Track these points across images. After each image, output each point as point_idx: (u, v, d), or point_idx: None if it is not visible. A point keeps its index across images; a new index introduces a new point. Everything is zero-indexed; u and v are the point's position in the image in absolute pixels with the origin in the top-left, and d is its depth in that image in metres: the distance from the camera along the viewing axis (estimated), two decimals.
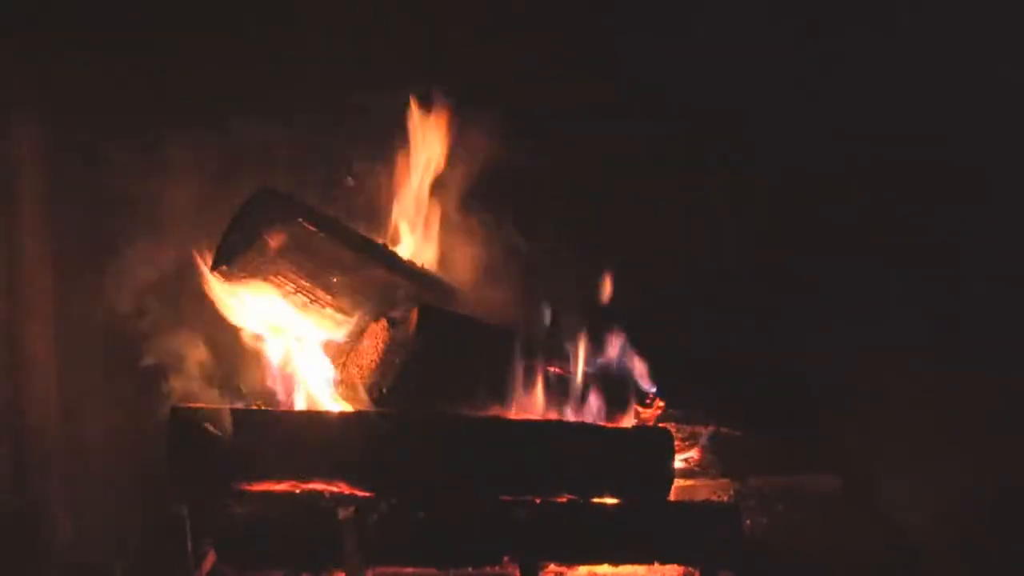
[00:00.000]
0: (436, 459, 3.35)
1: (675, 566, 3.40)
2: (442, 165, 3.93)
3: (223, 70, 3.95)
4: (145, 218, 3.82)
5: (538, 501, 3.35)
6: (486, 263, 3.91)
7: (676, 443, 3.54)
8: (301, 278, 3.61)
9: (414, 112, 3.90)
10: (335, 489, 3.29)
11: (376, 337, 3.58)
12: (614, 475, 3.42)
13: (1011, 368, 3.84)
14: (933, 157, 3.98)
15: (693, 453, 3.74)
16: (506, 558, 3.30)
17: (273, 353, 3.63)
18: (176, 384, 3.53)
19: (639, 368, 3.69)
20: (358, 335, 3.64)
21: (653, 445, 3.49)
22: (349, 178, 4.02)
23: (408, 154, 3.93)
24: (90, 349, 3.84)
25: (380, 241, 3.81)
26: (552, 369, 3.61)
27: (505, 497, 3.36)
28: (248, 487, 3.26)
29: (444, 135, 3.91)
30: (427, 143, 3.92)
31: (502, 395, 3.50)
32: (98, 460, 3.80)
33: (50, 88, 3.82)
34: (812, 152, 4.08)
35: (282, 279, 3.60)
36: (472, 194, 3.97)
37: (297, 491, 3.28)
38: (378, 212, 3.93)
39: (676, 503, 3.48)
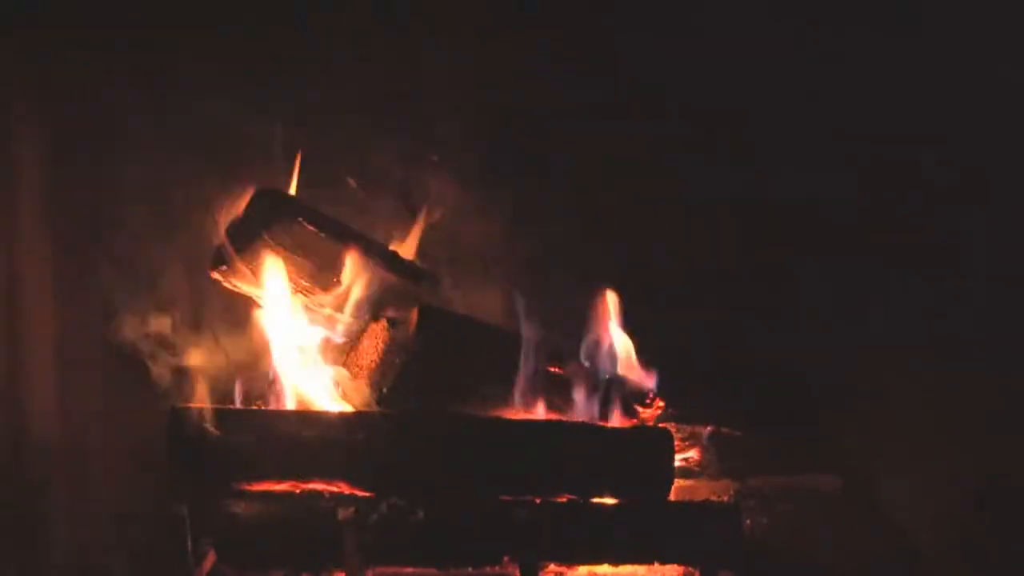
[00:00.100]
0: (436, 459, 3.35)
1: (675, 566, 3.40)
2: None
3: (223, 70, 3.95)
4: (145, 218, 3.82)
5: (538, 501, 3.35)
6: (486, 263, 3.91)
7: (676, 443, 3.54)
8: (301, 278, 3.61)
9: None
10: (335, 489, 3.29)
11: (376, 337, 3.58)
12: (614, 475, 3.42)
13: (1011, 368, 3.84)
14: (933, 157, 3.98)
15: (693, 453, 3.74)
16: (506, 558, 3.29)
17: (273, 353, 3.63)
18: (176, 384, 3.53)
19: (639, 368, 3.69)
20: (358, 335, 3.64)
21: (653, 445, 3.49)
22: (349, 178, 4.02)
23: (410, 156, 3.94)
24: (90, 349, 3.83)
25: (380, 241, 3.81)
26: (552, 369, 3.61)
27: (505, 497, 3.36)
28: (248, 487, 3.26)
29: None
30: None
31: (502, 395, 3.50)
32: (98, 460, 3.79)
33: (50, 88, 3.82)
34: (812, 151, 4.08)
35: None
36: (472, 194, 3.97)
37: (297, 491, 3.28)
38: (378, 212, 3.94)
39: (676, 503, 3.48)
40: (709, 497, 3.63)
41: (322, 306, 3.62)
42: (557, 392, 3.57)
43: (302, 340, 3.66)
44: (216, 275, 3.60)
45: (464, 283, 3.86)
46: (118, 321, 3.66)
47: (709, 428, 3.76)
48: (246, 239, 3.55)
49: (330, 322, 3.69)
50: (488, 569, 3.30)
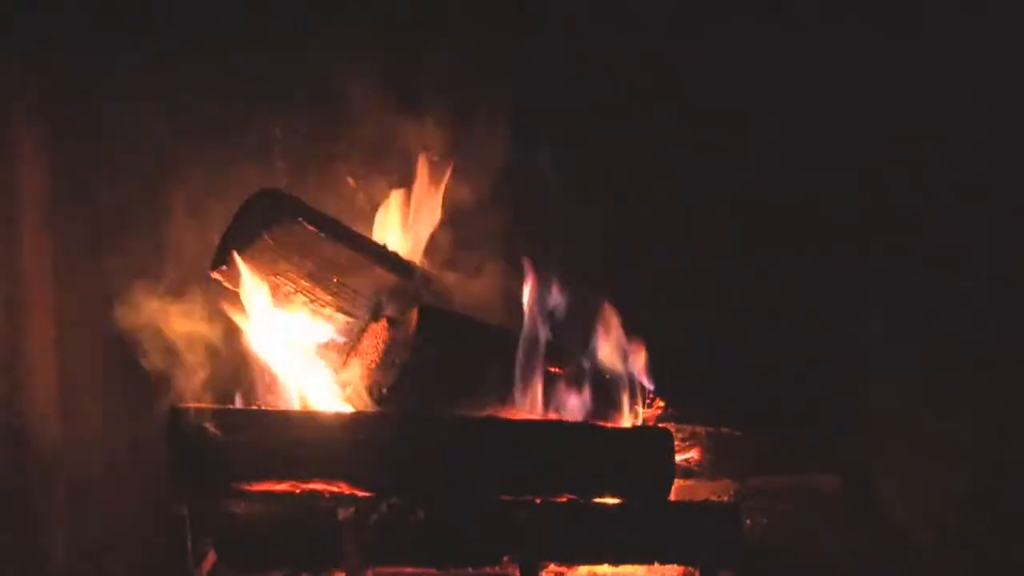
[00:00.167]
0: (436, 459, 3.35)
1: (675, 566, 3.41)
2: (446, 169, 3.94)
3: (223, 70, 3.95)
4: (145, 218, 3.82)
5: (538, 501, 3.36)
6: (486, 263, 3.91)
7: (676, 443, 3.55)
8: (301, 278, 3.61)
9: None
10: (335, 489, 3.29)
11: (376, 337, 3.58)
12: (614, 475, 3.42)
13: (1011, 368, 3.84)
14: (933, 156, 3.98)
15: (693, 453, 3.74)
16: (506, 558, 3.30)
17: (273, 353, 3.63)
18: (176, 384, 3.53)
19: (640, 368, 3.69)
20: (358, 335, 3.64)
21: (653, 445, 3.49)
22: (349, 178, 4.02)
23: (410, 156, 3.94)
24: (90, 349, 3.83)
25: (380, 241, 3.81)
26: (552, 369, 3.61)
27: (505, 497, 3.36)
28: (248, 487, 3.26)
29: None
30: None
31: (502, 395, 3.50)
32: (98, 460, 3.79)
33: (50, 88, 3.82)
34: (813, 151, 4.08)
35: (282, 279, 3.61)
36: (472, 194, 3.98)
37: (297, 491, 3.28)
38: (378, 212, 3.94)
39: (676, 503, 3.48)
40: (709, 497, 3.64)
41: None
42: (557, 392, 3.57)
43: (302, 340, 3.66)
44: (216, 275, 3.61)
45: (464, 283, 3.86)
46: (118, 321, 3.66)
47: (709, 428, 3.76)
48: (246, 239, 3.56)
49: (330, 322, 3.69)
50: (488, 569, 3.31)
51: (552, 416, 3.54)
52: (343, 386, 3.60)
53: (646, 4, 4.13)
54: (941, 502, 3.73)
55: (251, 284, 3.56)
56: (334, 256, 3.61)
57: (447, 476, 3.35)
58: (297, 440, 3.28)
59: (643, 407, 3.70)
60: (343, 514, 3.24)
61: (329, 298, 3.66)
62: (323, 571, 3.24)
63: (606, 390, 3.62)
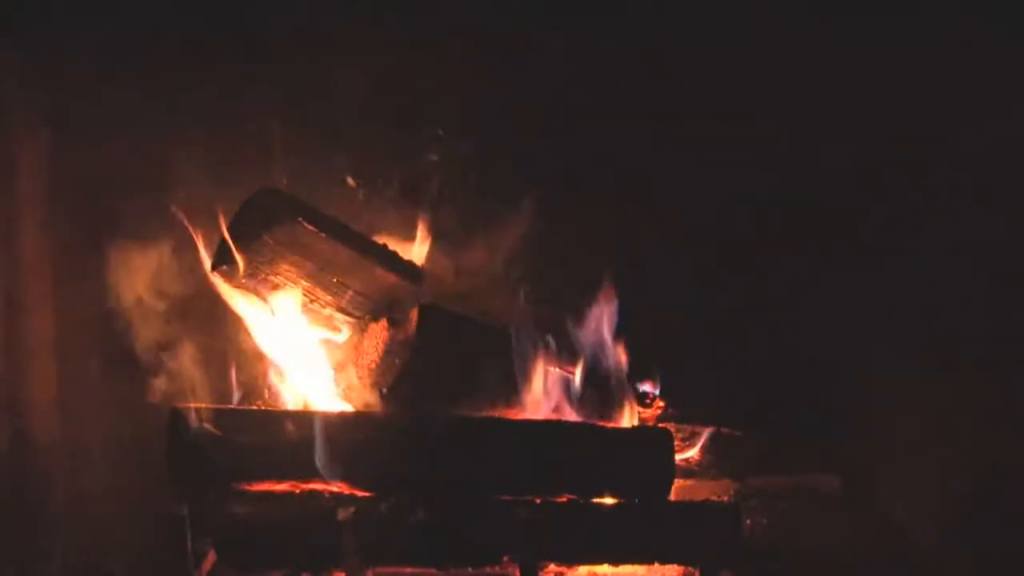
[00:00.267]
0: (436, 459, 3.35)
1: (675, 566, 3.41)
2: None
3: (223, 70, 3.95)
4: (145, 217, 3.82)
5: (538, 501, 3.36)
6: (486, 263, 3.91)
7: (676, 443, 3.55)
8: (301, 278, 3.61)
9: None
10: (335, 489, 3.29)
11: (376, 337, 3.58)
12: (614, 475, 3.42)
13: (1011, 368, 3.84)
14: (933, 156, 3.98)
15: (693, 453, 3.74)
16: (506, 558, 3.30)
17: (273, 353, 3.64)
18: (176, 384, 3.53)
19: (639, 368, 3.69)
20: (358, 335, 3.65)
21: (653, 445, 3.49)
22: (349, 178, 4.02)
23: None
24: (90, 349, 3.83)
25: (380, 241, 3.81)
26: (552, 369, 3.61)
27: (505, 497, 3.36)
28: (248, 487, 3.26)
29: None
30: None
31: (502, 395, 3.50)
32: (98, 460, 3.79)
33: (50, 88, 3.82)
34: (813, 150, 4.08)
35: (282, 279, 3.61)
36: (472, 194, 3.98)
37: (297, 491, 3.28)
38: (378, 212, 3.94)
39: (676, 503, 3.48)
40: (709, 497, 3.64)
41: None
42: (558, 392, 3.57)
43: (302, 340, 3.66)
44: (217, 275, 3.61)
45: (463, 282, 3.86)
46: (118, 321, 3.66)
47: (709, 428, 3.76)
48: (246, 239, 3.56)
49: (330, 322, 3.70)
50: (488, 569, 3.31)
51: (552, 416, 3.54)
52: (343, 386, 3.60)
53: (646, 4, 4.14)
54: (941, 502, 3.73)
55: (251, 284, 3.56)
56: (334, 256, 3.61)
57: (447, 476, 3.35)
58: (297, 440, 3.28)
59: (643, 407, 3.70)
60: (343, 514, 3.24)
61: (329, 298, 3.66)
62: (323, 571, 3.24)
63: (606, 390, 3.62)
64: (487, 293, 3.82)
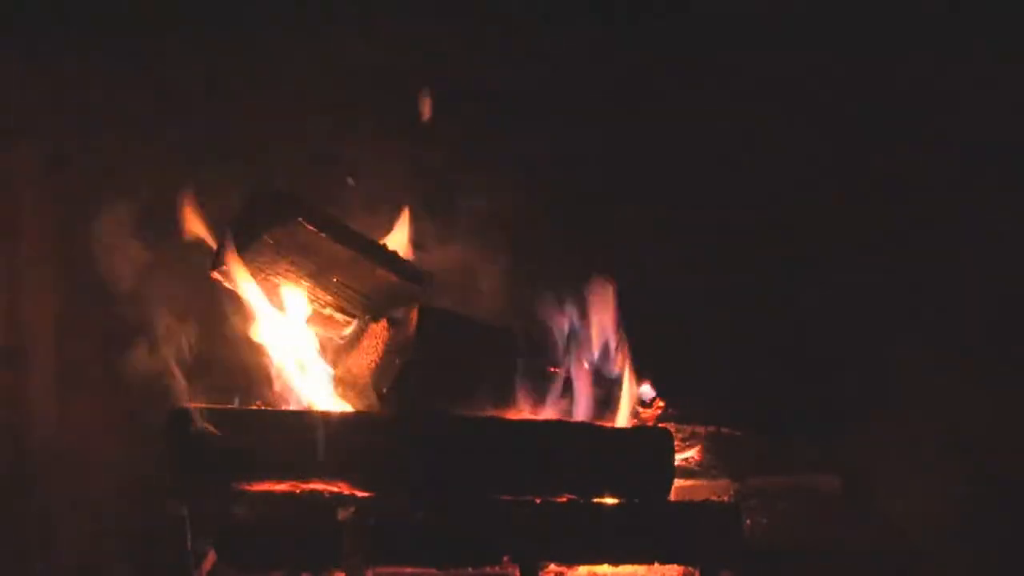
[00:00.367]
0: (436, 459, 3.35)
1: (675, 566, 3.41)
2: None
3: (223, 70, 3.95)
4: (145, 217, 3.82)
5: (538, 501, 3.35)
6: (486, 263, 3.91)
7: (676, 443, 3.54)
8: (301, 278, 3.61)
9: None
10: (335, 489, 3.29)
11: (376, 337, 3.58)
12: (614, 475, 3.42)
13: (1011, 369, 3.84)
14: (937, 161, 3.98)
15: (693, 453, 3.74)
16: (506, 558, 3.30)
17: (274, 353, 3.63)
18: (176, 384, 3.53)
19: (639, 368, 3.69)
20: (358, 335, 3.64)
21: (653, 445, 3.49)
22: (349, 178, 4.02)
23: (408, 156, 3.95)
24: (90, 349, 3.84)
25: (380, 241, 3.81)
26: (553, 369, 3.61)
27: (505, 497, 3.36)
28: (248, 487, 3.26)
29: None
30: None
31: (502, 395, 3.50)
32: (98, 460, 3.79)
33: (50, 90, 3.82)
34: (817, 151, 4.08)
35: (282, 279, 3.60)
36: (472, 194, 3.98)
37: (297, 491, 3.28)
38: (378, 212, 3.94)
39: (676, 503, 3.48)
40: (709, 497, 3.63)
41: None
42: (557, 392, 3.57)
43: (302, 340, 3.66)
44: (217, 275, 3.60)
45: (463, 281, 3.86)
46: (118, 321, 3.66)
47: (709, 428, 3.76)
48: (247, 239, 3.55)
49: (330, 322, 3.70)
50: (488, 569, 3.30)
51: (552, 416, 3.54)
52: (343, 386, 3.60)
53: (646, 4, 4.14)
54: (941, 502, 3.73)
55: (251, 284, 3.56)
56: (334, 256, 3.61)
57: (447, 476, 3.34)
58: (297, 440, 3.28)
59: (643, 407, 3.70)
60: (343, 514, 3.23)
61: (329, 298, 3.66)
62: (323, 571, 3.24)
63: (606, 390, 3.62)
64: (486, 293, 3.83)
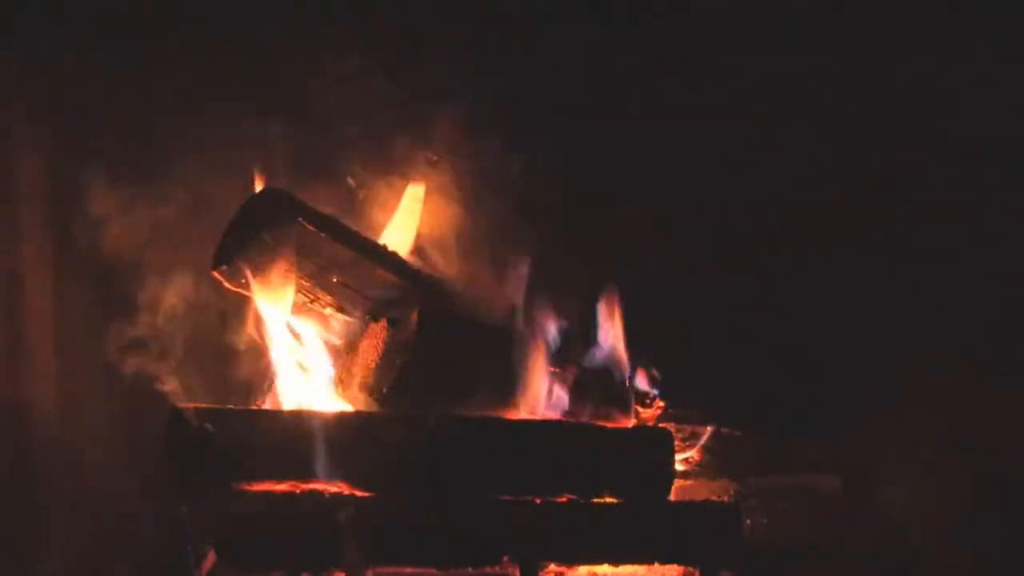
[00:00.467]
0: (436, 459, 3.35)
1: (675, 566, 3.41)
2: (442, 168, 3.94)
3: (223, 70, 3.95)
4: (145, 217, 3.82)
5: (538, 501, 3.35)
6: (486, 263, 3.91)
7: (676, 443, 3.55)
8: (301, 278, 3.61)
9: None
10: (335, 489, 3.29)
11: (376, 337, 3.58)
12: (614, 475, 3.42)
13: (1011, 369, 3.84)
14: (937, 161, 3.98)
15: (693, 453, 3.74)
16: (506, 558, 3.29)
17: (274, 353, 3.63)
18: (176, 384, 3.53)
19: (639, 368, 3.69)
20: (358, 335, 3.64)
21: (653, 445, 3.49)
22: (349, 178, 4.02)
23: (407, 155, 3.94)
24: (90, 349, 3.84)
25: (380, 241, 3.81)
26: (553, 369, 3.61)
27: (505, 497, 3.36)
28: (248, 487, 3.26)
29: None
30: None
31: (503, 395, 3.50)
32: (98, 460, 3.79)
33: (50, 90, 3.82)
34: (817, 151, 4.08)
35: (282, 279, 3.60)
36: (472, 194, 3.98)
37: (297, 491, 3.28)
38: (378, 212, 3.94)
39: (676, 503, 3.48)
40: (709, 497, 3.63)
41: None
42: (557, 392, 3.57)
43: (302, 340, 3.66)
44: (217, 275, 3.60)
45: (462, 281, 3.86)
46: (118, 321, 3.66)
47: (709, 428, 3.76)
48: (247, 239, 3.56)
49: (330, 322, 3.69)
50: (488, 569, 3.30)
51: (552, 416, 3.54)
52: (343, 386, 3.60)
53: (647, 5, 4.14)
54: (941, 502, 3.73)
55: (251, 284, 3.56)
56: (334, 256, 3.61)
57: (447, 476, 3.34)
58: (297, 440, 3.28)
59: (643, 407, 3.70)
60: (343, 514, 3.23)
61: (329, 298, 3.66)
62: (323, 571, 3.23)
63: (606, 390, 3.62)
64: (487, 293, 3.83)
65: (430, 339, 3.46)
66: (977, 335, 3.91)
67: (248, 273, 3.56)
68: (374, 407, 3.47)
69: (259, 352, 3.65)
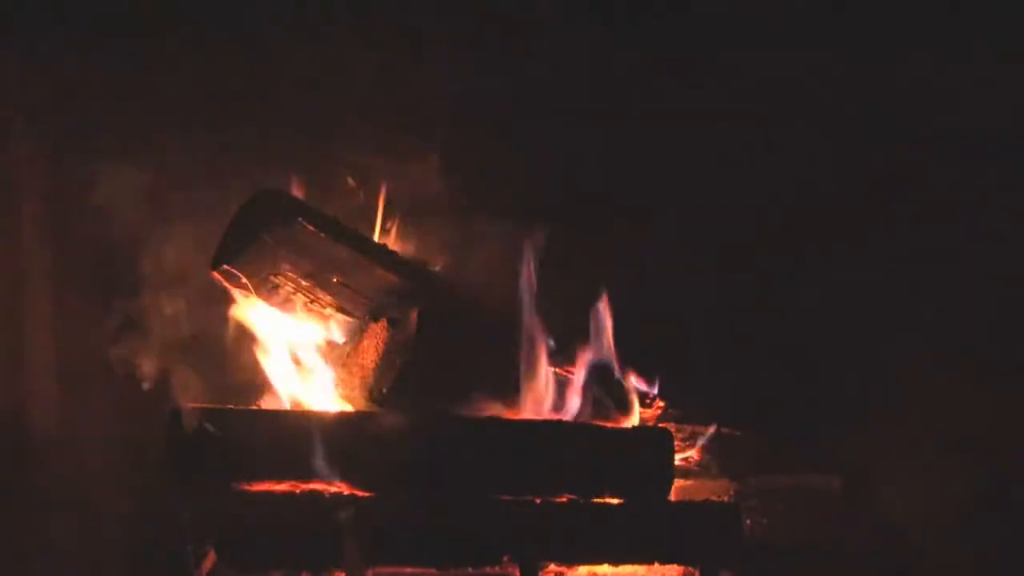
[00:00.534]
0: (436, 459, 3.35)
1: (675, 566, 3.41)
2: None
3: (223, 70, 3.95)
4: (144, 217, 3.82)
5: (538, 501, 3.35)
6: (486, 263, 3.91)
7: (676, 443, 3.54)
8: (301, 278, 3.61)
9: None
10: (335, 489, 3.29)
11: (376, 337, 3.58)
12: (614, 475, 3.42)
13: (1011, 369, 3.84)
14: (937, 161, 3.98)
15: (693, 453, 3.74)
16: (506, 558, 3.29)
17: (274, 353, 3.63)
18: (176, 384, 3.53)
19: (639, 368, 3.69)
20: (358, 335, 3.64)
21: (653, 445, 3.49)
22: (349, 178, 4.02)
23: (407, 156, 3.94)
24: (90, 350, 3.83)
25: (380, 241, 3.81)
26: (553, 369, 3.61)
27: (505, 497, 3.36)
28: (248, 487, 3.26)
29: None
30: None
31: (503, 395, 3.50)
32: (98, 460, 3.79)
33: (50, 91, 3.82)
34: (817, 151, 4.08)
35: (282, 279, 3.61)
36: (472, 194, 3.98)
37: (297, 491, 3.28)
38: (378, 212, 3.94)
39: (676, 503, 3.48)
40: (709, 497, 3.63)
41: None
42: (557, 392, 3.57)
43: (302, 340, 3.66)
44: (217, 275, 3.60)
45: (463, 282, 3.85)
46: (118, 321, 3.66)
47: (709, 428, 3.76)
48: (246, 239, 3.56)
49: (330, 322, 3.69)
50: (488, 569, 3.30)
51: (552, 416, 3.54)
52: (343, 386, 3.60)
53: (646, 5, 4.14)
54: (941, 502, 3.73)
55: (252, 284, 3.56)
56: (334, 256, 3.61)
57: (447, 476, 3.34)
58: (297, 440, 3.28)
59: (643, 407, 3.70)
60: (343, 514, 3.23)
61: (329, 298, 3.66)
62: (323, 571, 3.23)
63: (606, 390, 3.62)
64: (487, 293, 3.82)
65: (430, 339, 3.46)
66: (977, 335, 3.91)
67: (248, 273, 3.56)
68: (374, 407, 3.47)
69: (259, 352, 3.65)
